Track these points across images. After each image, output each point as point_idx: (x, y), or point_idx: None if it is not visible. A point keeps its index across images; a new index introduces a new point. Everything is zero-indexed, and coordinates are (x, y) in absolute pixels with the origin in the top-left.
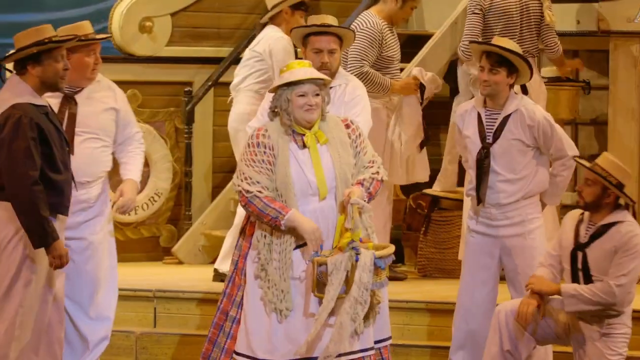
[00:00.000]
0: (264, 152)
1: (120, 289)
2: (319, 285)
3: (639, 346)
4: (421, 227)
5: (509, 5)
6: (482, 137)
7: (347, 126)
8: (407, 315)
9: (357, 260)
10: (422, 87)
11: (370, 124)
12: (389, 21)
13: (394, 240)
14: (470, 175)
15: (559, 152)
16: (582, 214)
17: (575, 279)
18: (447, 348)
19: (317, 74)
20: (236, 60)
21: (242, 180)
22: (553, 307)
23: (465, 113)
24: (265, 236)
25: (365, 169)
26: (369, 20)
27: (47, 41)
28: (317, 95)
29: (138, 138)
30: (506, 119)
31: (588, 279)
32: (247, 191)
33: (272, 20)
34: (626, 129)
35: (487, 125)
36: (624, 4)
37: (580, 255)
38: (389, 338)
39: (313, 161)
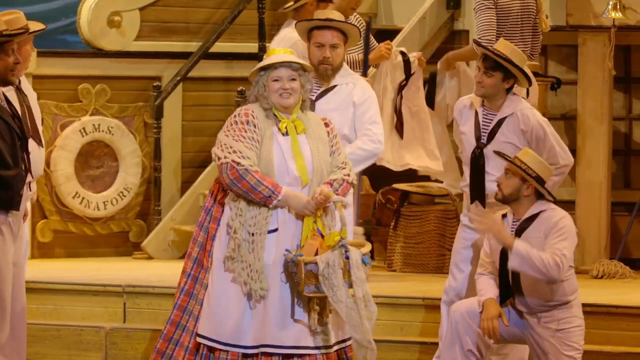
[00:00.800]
0: (254, 131)
1: (89, 284)
2: (308, 283)
3: (592, 340)
4: (390, 222)
5: (512, 5)
6: (477, 137)
7: (326, 125)
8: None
9: (347, 258)
10: (406, 65)
11: (382, 129)
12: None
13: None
14: (465, 172)
15: (551, 159)
16: (505, 214)
17: (505, 279)
18: (417, 343)
19: (292, 58)
20: (205, 54)
21: (230, 153)
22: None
23: (464, 108)
24: (239, 215)
25: (338, 169)
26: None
27: None
28: (294, 80)
29: None
30: (501, 121)
31: (516, 277)
32: (239, 164)
33: (296, 12)
34: (595, 124)
35: (482, 125)
36: None
37: (509, 253)
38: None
39: (293, 149)
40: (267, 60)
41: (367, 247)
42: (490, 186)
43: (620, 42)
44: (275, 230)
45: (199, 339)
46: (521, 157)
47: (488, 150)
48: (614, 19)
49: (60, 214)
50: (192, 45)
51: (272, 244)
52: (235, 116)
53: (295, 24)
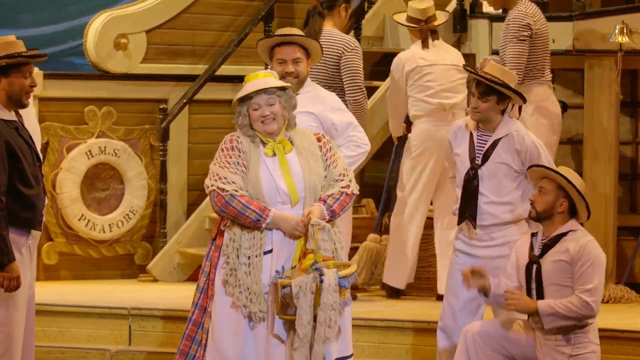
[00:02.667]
0: (239, 156)
1: (95, 307)
2: (284, 306)
3: None
4: None
5: (544, 30)
6: (472, 158)
7: (319, 139)
8: (382, 334)
9: (321, 282)
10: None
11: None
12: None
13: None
14: (457, 193)
15: None
16: (535, 233)
17: (529, 293)
18: None
19: (265, 83)
20: (211, 77)
21: (216, 180)
22: (521, 325)
23: (458, 130)
24: (234, 240)
25: (335, 182)
26: (352, 39)
27: (17, 55)
28: (272, 104)
29: None
30: (496, 142)
31: (540, 292)
32: (223, 190)
33: (328, 16)
34: (602, 148)
35: (477, 146)
36: (599, 22)
37: (534, 267)
38: (351, 355)
39: (282, 169)
40: (242, 91)
41: (351, 268)
42: (485, 208)
43: (627, 66)
44: (271, 251)
45: None
46: (561, 171)
47: (483, 171)
48: (620, 43)
49: (66, 236)
50: (199, 68)
51: (267, 265)
52: (223, 142)
53: (257, 43)
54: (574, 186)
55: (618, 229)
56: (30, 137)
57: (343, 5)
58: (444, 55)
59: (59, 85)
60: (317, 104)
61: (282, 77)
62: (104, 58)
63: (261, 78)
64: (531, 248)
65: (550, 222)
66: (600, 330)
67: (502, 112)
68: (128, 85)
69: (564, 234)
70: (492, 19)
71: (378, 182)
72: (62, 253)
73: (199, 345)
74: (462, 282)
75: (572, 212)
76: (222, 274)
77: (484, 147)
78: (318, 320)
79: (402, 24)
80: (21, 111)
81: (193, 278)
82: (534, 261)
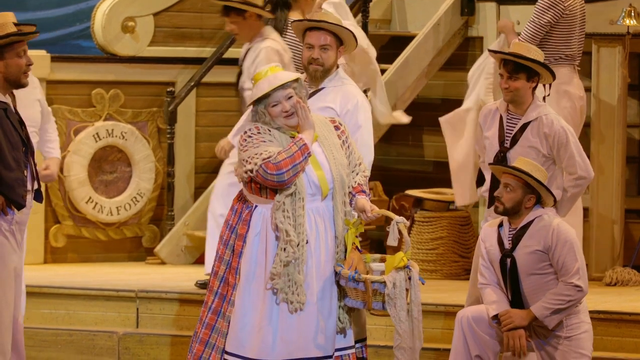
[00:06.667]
0: (270, 134)
1: (102, 289)
2: (376, 300)
3: (605, 347)
4: None
5: (575, 8)
6: (501, 141)
7: (337, 127)
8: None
9: (409, 279)
10: None
11: (372, 150)
12: (303, 15)
13: (376, 241)
14: (486, 177)
15: (569, 168)
16: (500, 223)
17: (505, 286)
18: (433, 349)
19: (281, 79)
20: (219, 60)
21: (258, 158)
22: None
23: (489, 113)
24: (287, 217)
25: (358, 168)
26: None
27: (8, 35)
28: (291, 97)
29: (51, 119)
30: (525, 125)
31: (516, 285)
32: (268, 157)
33: (295, 4)
34: (609, 131)
35: (507, 129)
36: (607, 6)
37: (509, 261)
38: (365, 339)
39: (311, 161)
40: (259, 91)
41: (417, 266)
42: None
43: (635, 49)
44: (306, 242)
45: (226, 356)
46: (521, 167)
47: (511, 155)
48: (628, 26)
49: (74, 219)
50: (206, 51)
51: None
52: (245, 133)
53: (291, 23)
54: (538, 181)
55: (625, 212)
56: (21, 121)
57: None
58: None
59: (67, 68)
60: (341, 100)
61: (309, 62)
62: (111, 41)
63: (272, 74)
64: (499, 241)
65: (518, 216)
66: (607, 313)
67: (533, 92)
68: (135, 68)
69: (530, 222)
70: (500, 1)
71: (385, 164)
72: (70, 236)
73: (218, 333)
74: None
75: (537, 202)
76: (250, 265)
77: (513, 130)
78: (412, 315)
79: None
80: (24, 97)
81: (200, 261)
82: (506, 255)
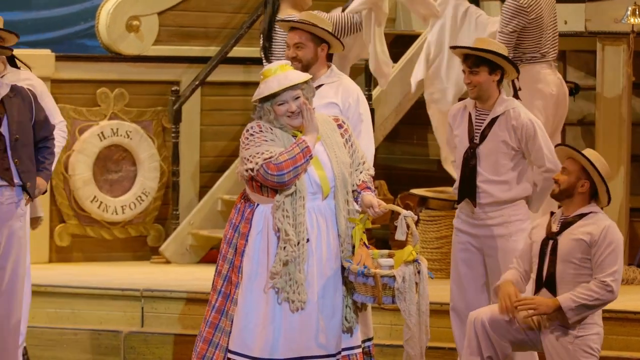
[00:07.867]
0: (271, 133)
1: (107, 289)
2: (387, 295)
3: (611, 346)
4: None
5: (542, 9)
6: (471, 137)
7: (340, 126)
8: (394, 316)
9: (418, 272)
10: None
11: (373, 141)
12: (299, 10)
13: (381, 240)
14: (456, 175)
15: (538, 161)
16: (553, 212)
17: (540, 270)
18: (437, 348)
19: (291, 79)
20: (223, 59)
21: (258, 158)
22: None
23: (457, 112)
24: (287, 217)
25: (360, 166)
26: None
27: None
28: (298, 98)
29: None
30: (494, 120)
31: (553, 269)
32: (270, 157)
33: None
34: (613, 130)
35: (476, 125)
36: (612, 4)
37: (550, 243)
38: (372, 338)
39: (313, 160)
40: (267, 89)
41: (425, 260)
42: (483, 186)
43: (639, 48)
44: (307, 240)
45: (230, 355)
46: (586, 154)
47: (481, 150)
48: (633, 24)
49: (79, 218)
50: (211, 50)
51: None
52: (247, 131)
53: (276, 23)
54: (596, 169)
55: (630, 211)
56: (9, 125)
57: None
58: None
59: (71, 67)
60: (342, 94)
61: (291, 61)
62: (116, 40)
63: (281, 72)
64: (549, 227)
65: (570, 201)
66: (612, 311)
67: (498, 85)
68: (140, 68)
69: (584, 214)
70: (504, 0)
71: (390, 163)
72: (75, 235)
73: (222, 332)
74: (463, 262)
75: (593, 195)
76: (253, 264)
77: (482, 126)
78: (421, 310)
79: None
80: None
81: (205, 260)
82: (550, 237)
